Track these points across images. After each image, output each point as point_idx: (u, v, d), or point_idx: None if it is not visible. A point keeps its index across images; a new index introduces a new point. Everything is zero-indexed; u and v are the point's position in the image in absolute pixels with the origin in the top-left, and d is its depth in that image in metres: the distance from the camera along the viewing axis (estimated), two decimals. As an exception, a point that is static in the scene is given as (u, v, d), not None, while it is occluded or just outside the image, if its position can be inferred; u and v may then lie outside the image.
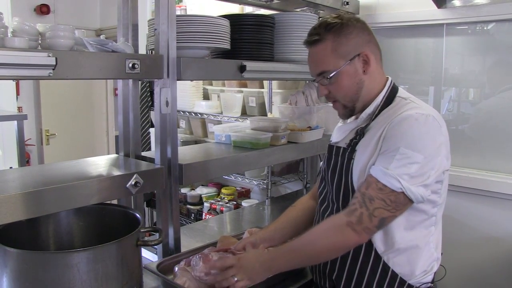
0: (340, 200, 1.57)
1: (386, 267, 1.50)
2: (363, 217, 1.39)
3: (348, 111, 1.61)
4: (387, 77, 1.63)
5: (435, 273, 1.58)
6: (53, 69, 1.40)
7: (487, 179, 2.60)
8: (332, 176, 1.61)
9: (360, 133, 1.54)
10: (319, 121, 2.74)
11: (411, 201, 1.39)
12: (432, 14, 2.70)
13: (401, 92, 1.60)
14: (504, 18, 2.54)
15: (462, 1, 2.60)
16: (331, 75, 1.53)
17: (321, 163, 1.85)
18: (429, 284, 1.55)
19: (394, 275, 1.50)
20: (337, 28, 1.52)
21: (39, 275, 1.34)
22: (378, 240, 1.50)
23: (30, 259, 1.36)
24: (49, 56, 1.39)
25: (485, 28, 2.67)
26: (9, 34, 1.45)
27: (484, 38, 2.70)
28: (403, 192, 1.37)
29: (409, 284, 1.50)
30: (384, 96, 1.56)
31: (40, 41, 1.54)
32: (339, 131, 1.69)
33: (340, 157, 1.59)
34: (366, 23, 1.60)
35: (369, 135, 1.51)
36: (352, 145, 1.55)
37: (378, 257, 1.50)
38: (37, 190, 1.39)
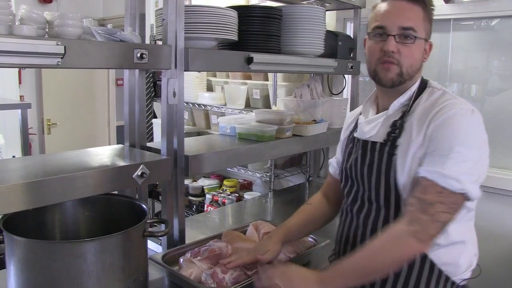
0: (381, 199, 1.46)
1: (432, 264, 1.40)
2: (427, 224, 1.29)
3: (399, 80, 1.44)
4: None
5: (473, 269, 1.50)
6: (62, 58, 1.39)
7: (495, 176, 2.59)
8: (369, 174, 1.49)
9: (399, 127, 1.43)
10: (323, 114, 2.73)
11: (468, 199, 1.33)
12: (440, 9, 2.66)
13: (430, 81, 1.52)
14: (508, 14, 2.53)
15: (469, -4, 2.59)
16: (416, 36, 1.41)
17: (333, 159, 1.80)
18: (466, 281, 1.47)
19: (440, 272, 1.41)
20: (431, 3, 1.47)
21: (47, 264, 1.34)
22: None
23: (38, 248, 1.36)
24: (58, 44, 1.38)
25: (490, 24, 2.66)
26: (17, 22, 1.44)
27: (489, 34, 2.69)
28: (462, 193, 1.30)
29: (453, 281, 1.43)
30: (417, 87, 1.48)
31: (47, 30, 1.53)
32: (368, 124, 1.55)
33: (378, 153, 1.47)
34: None
35: (409, 130, 1.41)
36: (392, 140, 1.44)
37: (424, 255, 1.40)
38: (43, 179, 1.38)
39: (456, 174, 1.29)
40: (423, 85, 1.50)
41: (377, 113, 1.56)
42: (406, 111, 1.45)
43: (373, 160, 1.48)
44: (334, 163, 1.80)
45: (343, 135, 1.76)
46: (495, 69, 2.71)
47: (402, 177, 1.39)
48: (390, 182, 1.42)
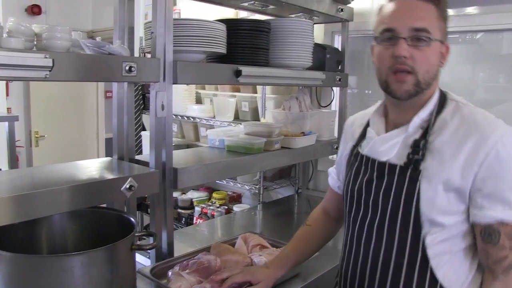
0: (396, 230, 1.30)
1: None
2: None
3: (415, 91, 1.28)
4: None
5: None
6: (50, 71, 1.39)
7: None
8: (385, 200, 1.32)
9: (423, 148, 1.27)
10: (312, 126, 2.74)
11: None
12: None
13: (449, 93, 1.38)
14: (493, 28, 2.59)
15: (454, 11, 2.63)
16: (430, 38, 1.25)
17: (332, 170, 1.71)
18: None
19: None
20: (445, 1, 1.31)
21: (33, 279, 1.33)
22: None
23: (24, 263, 1.35)
24: (46, 57, 1.37)
25: (474, 38, 2.71)
26: (5, 35, 1.44)
27: (474, 47, 2.73)
28: None
29: None
30: (437, 99, 1.33)
31: (35, 42, 1.52)
32: (383, 143, 1.37)
33: (397, 177, 1.30)
34: None
35: (437, 154, 1.25)
36: (415, 163, 1.27)
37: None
38: (30, 193, 1.37)
39: None
40: (443, 96, 1.35)
41: (386, 127, 1.42)
42: (429, 128, 1.29)
43: (391, 184, 1.31)
44: (333, 174, 1.70)
45: (345, 145, 1.61)
46: (480, 81, 2.74)
47: (427, 206, 1.24)
48: (411, 211, 1.26)
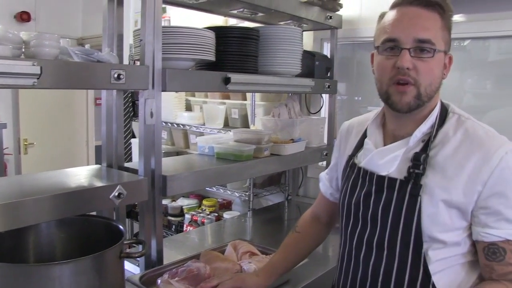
0: (397, 246, 1.26)
1: None
2: None
3: (416, 103, 1.24)
4: None
5: None
6: (38, 78, 1.39)
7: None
8: (385, 215, 1.28)
9: (423, 162, 1.24)
10: (301, 133, 2.75)
11: None
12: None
13: (450, 105, 1.35)
14: (478, 36, 2.62)
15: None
16: (435, 50, 1.21)
17: (324, 175, 1.70)
18: None
19: None
20: (449, 8, 1.25)
21: (20, 288, 1.32)
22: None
23: (10, 272, 1.33)
24: (34, 65, 1.37)
25: (462, 45, 2.73)
26: (-8, 42, 1.43)
27: (461, 54, 2.76)
28: None
29: None
30: (438, 112, 1.30)
31: (23, 50, 1.52)
32: (382, 156, 1.33)
33: (397, 192, 1.26)
34: None
35: (438, 168, 1.23)
36: (415, 178, 1.24)
37: None
38: (17, 201, 1.36)
39: None
40: (444, 109, 1.32)
41: (384, 138, 1.39)
42: (430, 141, 1.26)
43: (391, 199, 1.27)
44: (325, 180, 1.68)
45: (340, 152, 1.58)
46: (469, 87, 2.77)
47: (428, 222, 1.21)
48: (411, 227, 1.23)
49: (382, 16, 1.32)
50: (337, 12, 2.86)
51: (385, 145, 1.37)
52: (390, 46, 1.24)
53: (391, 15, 1.27)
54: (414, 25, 1.22)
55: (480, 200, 1.19)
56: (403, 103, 1.24)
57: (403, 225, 1.24)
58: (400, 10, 1.25)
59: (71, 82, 1.50)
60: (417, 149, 1.27)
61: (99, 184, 1.64)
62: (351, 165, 1.45)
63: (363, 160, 1.39)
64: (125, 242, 1.61)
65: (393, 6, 1.28)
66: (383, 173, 1.31)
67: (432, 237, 1.21)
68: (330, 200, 1.66)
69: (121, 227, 1.65)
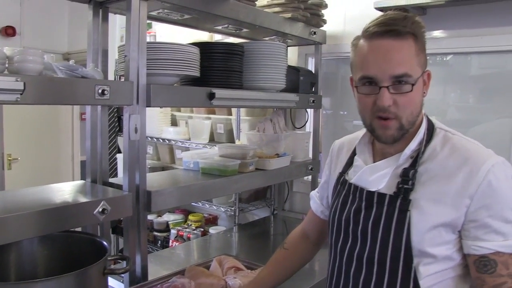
0: (387, 262, 1.25)
1: None
2: None
3: (400, 133, 1.26)
4: None
5: None
6: (21, 94, 1.38)
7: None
8: (374, 231, 1.28)
9: (412, 178, 1.25)
10: (286, 148, 2.76)
11: None
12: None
13: (436, 121, 1.36)
14: (459, 51, 2.67)
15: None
16: (413, 81, 1.21)
17: (315, 193, 1.69)
18: None
19: None
20: (421, 28, 1.23)
21: (1, 305, 1.30)
22: None
23: (-9, 290, 1.32)
24: (17, 80, 1.37)
25: (444, 59, 2.78)
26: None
27: (444, 69, 2.81)
28: None
29: None
30: (425, 128, 1.31)
31: (7, 65, 1.52)
32: (372, 173, 1.34)
33: (387, 207, 1.27)
34: None
35: (426, 183, 1.24)
36: (404, 193, 1.24)
37: None
38: (0, 217, 1.35)
39: None
40: (431, 124, 1.33)
41: (373, 155, 1.40)
42: (418, 157, 1.27)
43: (381, 215, 1.28)
44: (316, 198, 1.68)
45: (331, 170, 1.59)
46: (452, 101, 2.81)
47: (417, 237, 1.21)
48: (401, 242, 1.23)
49: (355, 44, 1.30)
50: (321, 28, 2.90)
51: (374, 161, 1.38)
52: (368, 82, 1.24)
53: (365, 49, 1.25)
54: (389, 61, 1.20)
55: (469, 213, 1.19)
56: (387, 136, 1.27)
57: (393, 240, 1.24)
58: (373, 44, 1.23)
59: (55, 98, 1.50)
60: (406, 165, 1.28)
61: (83, 200, 1.63)
62: (342, 182, 1.45)
63: (354, 177, 1.40)
64: (109, 258, 1.60)
65: (365, 38, 1.26)
66: (373, 189, 1.32)
67: (423, 251, 1.22)
68: (320, 218, 1.65)
69: (105, 243, 1.64)
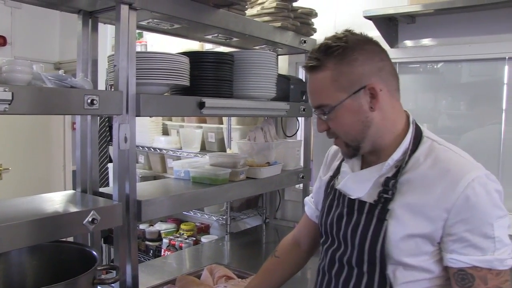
0: (364, 266, 1.29)
1: None
2: None
3: (352, 150, 1.33)
4: (406, 113, 1.39)
5: None
6: (9, 104, 1.38)
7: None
8: (353, 236, 1.31)
9: (392, 188, 1.26)
10: (277, 156, 2.77)
11: None
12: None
13: (425, 130, 1.36)
14: (449, 59, 2.70)
15: (412, 42, 2.74)
16: (329, 110, 1.27)
17: (309, 199, 1.70)
18: None
19: None
20: (339, 53, 1.25)
21: (-12, 317, 1.30)
22: None
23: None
24: (6, 90, 1.37)
25: (435, 67, 2.81)
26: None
27: (435, 76, 2.83)
28: None
29: None
30: (411, 138, 1.30)
31: (-4, 75, 1.52)
32: (356, 180, 1.37)
33: (366, 215, 1.29)
34: (379, 45, 1.33)
35: (406, 194, 1.24)
36: (383, 203, 1.26)
37: None
38: (-12, 228, 1.35)
39: (508, 252, 1.17)
40: (419, 133, 1.33)
41: (361, 162, 1.41)
42: (401, 167, 1.27)
43: (360, 221, 1.30)
44: (310, 204, 1.68)
45: (324, 173, 1.61)
46: (443, 109, 2.83)
47: (393, 247, 1.23)
48: (376, 249, 1.25)
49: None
50: (311, 37, 2.92)
51: (361, 169, 1.40)
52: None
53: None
54: (311, 94, 1.33)
55: (446, 227, 1.19)
56: (343, 153, 1.38)
57: (369, 247, 1.26)
58: (308, 76, 1.34)
59: (43, 108, 1.50)
60: (390, 174, 1.29)
61: (72, 209, 1.63)
62: (331, 186, 1.48)
63: (340, 183, 1.43)
64: (99, 268, 1.60)
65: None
66: (354, 196, 1.34)
67: (399, 260, 1.23)
68: (315, 223, 1.64)
69: (94, 253, 1.63)
